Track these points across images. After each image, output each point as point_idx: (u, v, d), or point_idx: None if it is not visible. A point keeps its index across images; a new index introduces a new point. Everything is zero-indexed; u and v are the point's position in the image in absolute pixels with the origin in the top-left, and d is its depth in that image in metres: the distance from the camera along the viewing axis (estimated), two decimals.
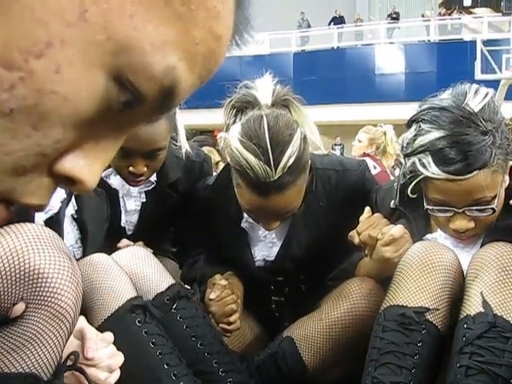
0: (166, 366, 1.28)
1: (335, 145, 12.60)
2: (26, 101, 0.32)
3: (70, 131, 0.35)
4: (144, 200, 1.93)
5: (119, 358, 1.11)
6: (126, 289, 1.35)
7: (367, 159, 3.72)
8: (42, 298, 0.98)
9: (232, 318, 1.60)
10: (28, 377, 0.96)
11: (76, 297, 1.02)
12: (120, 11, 0.33)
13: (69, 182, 0.38)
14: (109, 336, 1.13)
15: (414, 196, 1.42)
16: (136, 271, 1.47)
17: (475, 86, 1.39)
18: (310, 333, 1.52)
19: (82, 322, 1.12)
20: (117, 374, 1.10)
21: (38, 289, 0.98)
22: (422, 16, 17.77)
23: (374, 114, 10.46)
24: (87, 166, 0.38)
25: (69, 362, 1.04)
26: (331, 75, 15.58)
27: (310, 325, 1.54)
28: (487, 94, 1.36)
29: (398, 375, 1.21)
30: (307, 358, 1.51)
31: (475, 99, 1.33)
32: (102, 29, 0.33)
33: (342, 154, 9.66)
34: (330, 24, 18.12)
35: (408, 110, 1.45)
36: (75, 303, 1.01)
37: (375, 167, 4.15)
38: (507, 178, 1.40)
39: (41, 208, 0.39)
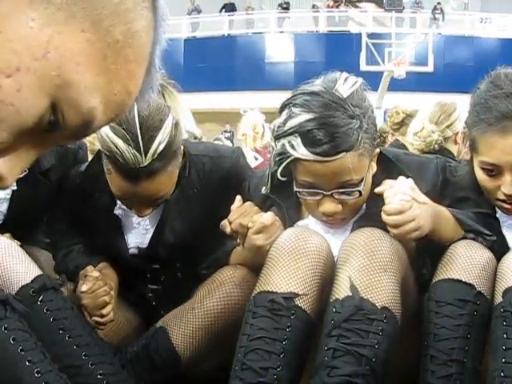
0: (27, 363, 1.22)
1: (225, 131, 12.65)
2: None
3: (11, 137, 0.45)
4: (15, 188, 1.83)
5: None
6: None
7: (246, 150, 3.72)
8: None
9: (105, 311, 1.55)
10: None
11: None
12: (71, 58, 0.45)
13: None
14: None
15: (284, 179, 1.43)
16: None
17: (345, 74, 1.42)
18: (183, 323, 1.50)
19: None
20: None
21: None
22: (313, 7, 18.15)
23: (264, 101, 10.56)
24: (10, 168, 0.48)
25: None
26: (222, 62, 15.58)
27: (183, 314, 1.52)
28: (356, 82, 1.40)
29: (267, 360, 1.22)
30: (180, 348, 1.49)
31: (344, 86, 1.37)
32: (56, 67, 0.44)
33: (231, 141, 9.69)
34: (221, 11, 18.10)
35: None
36: None
37: (256, 158, 4.14)
38: (374, 165, 1.45)
39: None
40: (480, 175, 1.42)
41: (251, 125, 4.51)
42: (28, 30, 0.43)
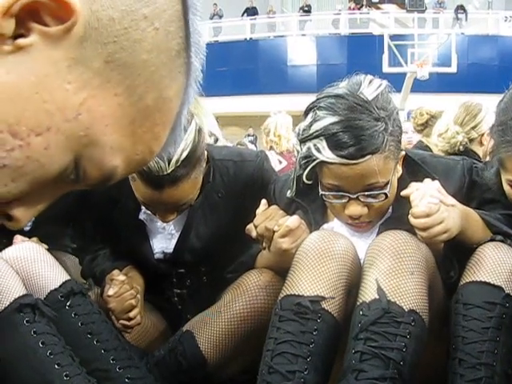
0: (56, 367, 1.23)
1: (248, 135, 12.68)
2: (16, 161, 0.44)
3: (31, 188, 0.47)
4: None
5: None
6: (13, 287, 1.30)
7: (271, 153, 3.71)
8: None
9: (132, 314, 1.56)
10: None
11: None
12: (101, 121, 0.46)
13: (7, 218, 0.50)
14: None
15: (310, 182, 1.43)
16: (28, 268, 1.42)
17: (370, 76, 1.42)
18: (210, 326, 1.51)
19: None
20: None
21: None
22: (340, 10, 18.11)
23: (287, 104, 10.59)
24: (25, 211, 0.49)
25: None
26: (244, 66, 15.66)
27: (210, 318, 1.52)
28: (381, 84, 1.39)
29: (294, 364, 1.22)
30: (207, 351, 1.50)
31: (369, 88, 1.36)
32: (85, 128, 0.46)
33: (254, 144, 9.71)
34: (242, 15, 18.17)
35: None
36: None
37: (280, 162, 4.13)
38: (400, 168, 1.44)
39: None
40: (508, 189, 1.41)
41: (285, 126, 4.48)
42: (63, 93, 0.44)
